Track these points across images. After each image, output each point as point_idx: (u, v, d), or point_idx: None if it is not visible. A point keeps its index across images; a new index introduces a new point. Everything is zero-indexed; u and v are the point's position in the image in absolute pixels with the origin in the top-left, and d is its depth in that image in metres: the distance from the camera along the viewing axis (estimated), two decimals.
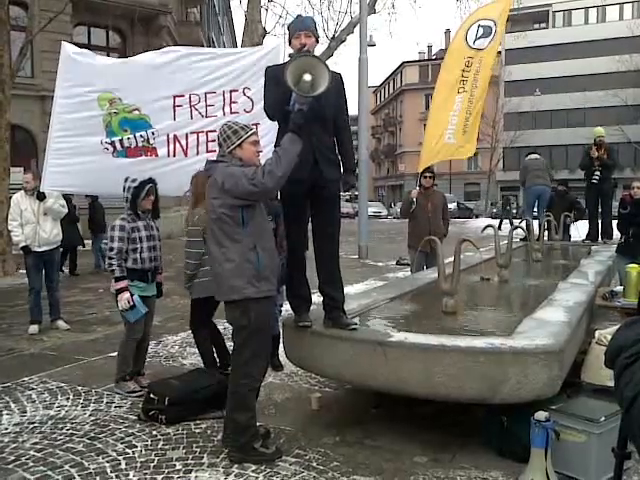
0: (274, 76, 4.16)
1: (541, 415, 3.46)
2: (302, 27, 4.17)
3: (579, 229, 11.80)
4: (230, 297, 3.78)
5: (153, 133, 6.64)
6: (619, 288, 5.78)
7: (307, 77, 3.65)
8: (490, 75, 9.41)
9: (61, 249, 13.07)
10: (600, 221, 10.69)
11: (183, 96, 6.66)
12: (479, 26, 9.26)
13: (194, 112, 6.67)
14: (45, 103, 18.21)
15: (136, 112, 6.64)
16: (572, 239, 11.45)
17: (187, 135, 6.66)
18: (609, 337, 4.38)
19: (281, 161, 3.64)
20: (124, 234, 5.10)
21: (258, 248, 3.75)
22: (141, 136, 6.62)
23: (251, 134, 3.90)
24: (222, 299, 3.89)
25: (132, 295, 5.08)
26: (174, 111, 6.67)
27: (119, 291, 5.07)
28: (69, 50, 6.83)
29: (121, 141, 6.60)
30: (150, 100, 6.62)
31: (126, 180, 5.25)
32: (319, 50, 15.11)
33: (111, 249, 5.09)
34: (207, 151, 6.39)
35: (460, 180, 62.16)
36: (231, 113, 6.73)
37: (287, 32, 4.31)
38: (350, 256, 14.69)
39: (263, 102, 4.28)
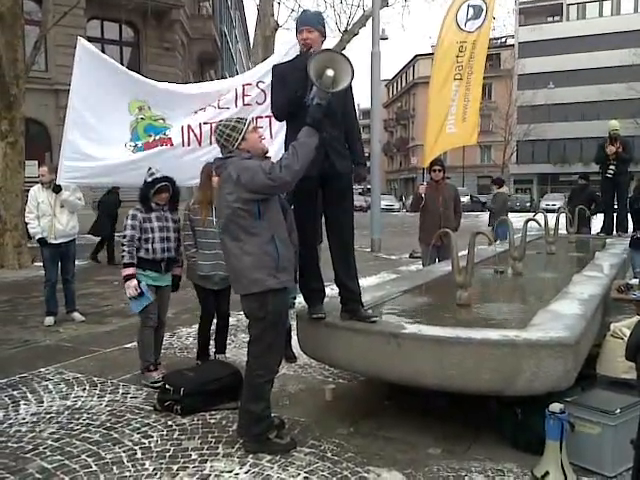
0: (280, 76, 4.23)
1: (556, 407, 3.46)
2: (304, 22, 4.23)
3: (599, 221, 11.76)
4: (250, 290, 3.77)
5: (170, 129, 6.86)
6: (634, 281, 5.75)
7: (330, 72, 3.65)
8: (485, 58, 9.29)
9: (98, 238, 13.24)
10: (616, 214, 10.61)
11: (203, 108, 6.95)
12: (469, 6, 9.13)
13: (207, 106, 6.83)
14: (59, 97, 18.35)
15: (161, 121, 6.92)
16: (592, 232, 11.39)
17: (201, 125, 6.81)
18: (624, 330, 4.41)
19: (298, 154, 3.64)
20: (136, 222, 5.16)
21: (276, 239, 3.76)
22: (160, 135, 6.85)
23: (249, 124, 3.92)
24: (242, 292, 3.86)
25: (139, 282, 5.12)
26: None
27: (126, 278, 5.12)
28: (86, 47, 6.91)
29: (144, 144, 6.81)
30: (175, 113, 6.94)
31: (149, 170, 5.34)
32: (331, 43, 15.08)
33: (124, 236, 5.17)
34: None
35: (474, 173, 61.84)
36: (244, 105, 6.83)
37: None
38: (363, 249, 14.68)
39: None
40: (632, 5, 58.45)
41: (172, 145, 6.78)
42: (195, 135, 6.78)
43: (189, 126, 6.79)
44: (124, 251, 5.15)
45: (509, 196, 30.38)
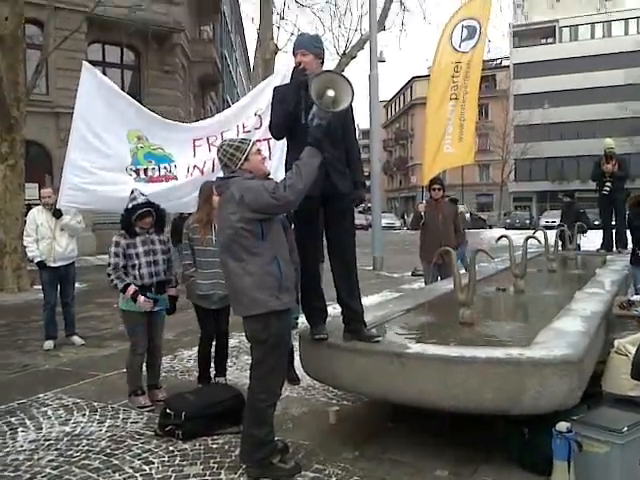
0: (280, 96, 4.25)
1: (562, 426, 3.41)
2: (298, 46, 4.28)
3: (589, 239, 11.74)
4: (253, 311, 3.72)
5: (175, 166, 6.96)
6: (637, 297, 5.73)
7: (330, 93, 3.69)
8: (479, 78, 9.36)
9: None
10: (614, 230, 10.61)
11: (201, 139, 7.07)
12: (463, 27, 9.22)
13: (212, 147, 6.93)
14: (60, 119, 18.45)
15: (160, 150, 6.99)
16: (582, 249, 11.37)
17: (205, 162, 6.92)
18: (629, 346, 4.38)
19: (302, 174, 3.64)
20: (119, 249, 5.14)
21: (279, 259, 3.73)
22: (165, 167, 6.95)
23: (252, 144, 3.91)
24: (243, 314, 3.81)
25: (145, 295, 5.12)
26: (194, 150, 7.05)
27: (134, 298, 5.09)
28: (91, 72, 6.98)
29: (145, 170, 6.89)
30: (172, 141, 7.04)
31: (131, 193, 5.33)
32: (330, 66, 15.20)
33: (108, 265, 5.17)
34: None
35: (472, 192, 62.39)
36: (244, 132, 6.88)
37: None
38: (365, 267, 14.64)
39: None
40: (622, 28, 59.66)
41: (177, 180, 6.89)
42: (199, 169, 6.89)
43: (195, 165, 6.93)
44: (112, 281, 5.13)
45: (467, 213, 30.31)
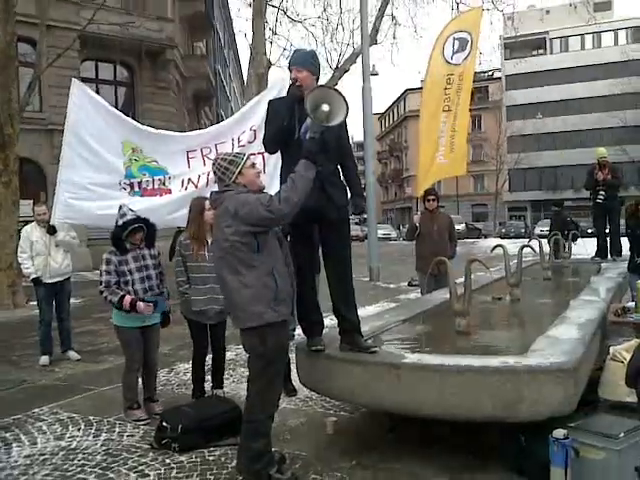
0: (275, 109, 4.28)
1: (559, 433, 3.42)
2: (294, 62, 4.29)
3: (584, 246, 11.74)
4: (249, 324, 3.72)
5: (170, 178, 6.97)
6: (631, 304, 5.74)
7: (325, 107, 3.72)
8: (470, 89, 9.43)
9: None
10: (609, 238, 10.63)
11: (195, 150, 7.07)
12: (454, 39, 9.30)
13: (206, 160, 6.95)
14: (53, 136, 18.48)
15: (154, 163, 7.01)
16: (574, 257, 11.35)
17: (199, 176, 6.93)
18: (624, 353, 4.39)
19: (297, 187, 3.65)
20: (111, 267, 5.11)
21: (275, 272, 3.73)
22: (159, 179, 6.98)
23: (246, 159, 3.91)
24: (241, 326, 3.81)
25: (144, 300, 5.10)
26: (188, 162, 7.06)
27: (132, 307, 5.06)
28: (81, 88, 7.02)
29: (139, 183, 6.92)
30: (166, 154, 7.04)
31: (120, 209, 5.30)
32: (323, 80, 15.29)
33: (100, 283, 5.13)
34: (215, 182, 6.52)
35: (467, 202, 62.82)
36: (239, 147, 6.90)
37: None
38: (361, 278, 14.65)
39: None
40: (612, 38, 60.25)
41: (170, 193, 6.89)
42: (193, 183, 6.90)
43: (189, 179, 6.94)
44: (105, 298, 5.10)
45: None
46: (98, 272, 5.31)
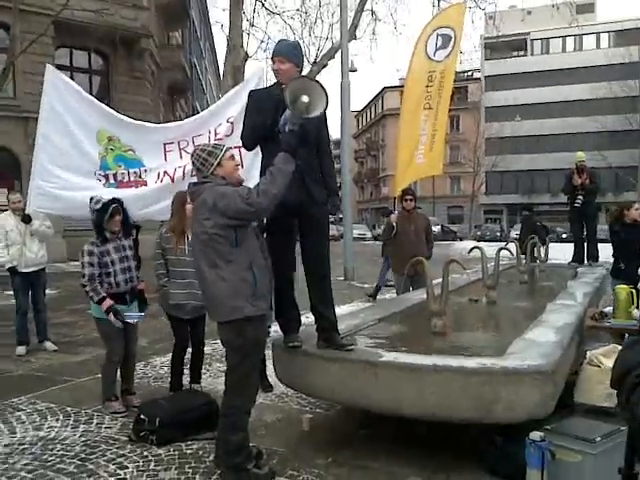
0: (257, 102, 4.20)
1: (536, 435, 3.46)
2: (276, 53, 4.21)
3: (562, 251, 11.84)
4: (227, 318, 3.71)
5: (145, 170, 6.86)
6: (608, 309, 5.81)
7: (304, 99, 3.68)
8: (451, 87, 9.38)
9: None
10: (586, 244, 10.71)
11: (172, 143, 6.96)
12: (437, 35, 9.25)
13: (183, 153, 6.86)
14: (28, 124, 18.08)
15: (130, 152, 6.89)
16: (550, 261, 11.45)
17: (175, 169, 6.82)
18: (601, 358, 4.44)
19: (276, 180, 3.64)
20: (94, 259, 5.04)
21: (253, 267, 3.72)
22: (134, 172, 6.86)
23: (226, 150, 3.89)
24: (218, 320, 3.81)
25: (117, 314, 5.04)
26: (165, 154, 6.94)
27: (107, 312, 5.02)
28: (55, 74, 6.89)
29: (115, 175, 6.80)
30: (143, 143, 6.92)
31: (91, 201, 5.22)
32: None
33: (83, 276, 5.05)
34: (192, 175, 6.45)
35: (443, 204, 62.85)
36: (215, 139, 6.83)
37: (269, 57, 4.36)
38: (336, 278, 14.65)
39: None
40: (594, 41, 60.33)
41: (146, 186, 6.80)
42: (169, 175, 6.80)
43: (165, 171, 6.83)
44: (87, 292, 5.04)
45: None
46: (73, 263, 5.24)
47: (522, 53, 63.78)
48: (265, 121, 4.05)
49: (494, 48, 61.65)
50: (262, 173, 4.01)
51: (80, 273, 5.11)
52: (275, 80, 4.30)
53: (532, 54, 63.25)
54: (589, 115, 55.20)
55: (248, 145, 4.34)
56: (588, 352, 4.70)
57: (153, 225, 6.77)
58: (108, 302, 5.02)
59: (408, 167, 9.42)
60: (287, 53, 4.19)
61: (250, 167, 6.24)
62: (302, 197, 4.11)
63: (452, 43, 9.22)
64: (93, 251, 5.06)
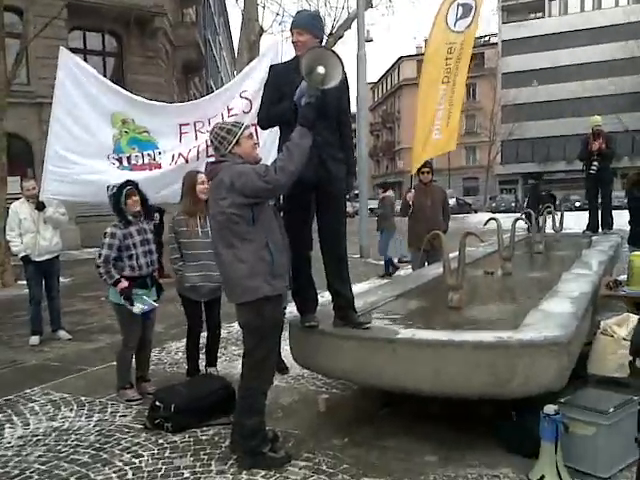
0: (275, 78, 4.09)
1: (550, 408, 3.41)
2: (296, 24, 4.07)
3: (576, 221, 11.65)
4: (246, 298, 3.67)
5: (160, 153, 6.88)
6: (623, 277, 5.72)
7: (321, 69, 3.60)
8: (469, 58, 9.14)
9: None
10: (600, 211, 10.53)
11: (188, 124, 6.97)
12: (458, 5, 8.97)
13: (198, 134, 6.88)
14: (42, 110, 17.98)
15: (145, 134, 6.91)
16: (565, 230, 11.29)
17: (190, 149, 6.84)
18: (614, 327, 4.38)
19: (293, 156, 3.58)
20: (115, 241, 5.00)
21: (270, 245, 3.67)
22: (148, 154, 6.89)
23: (244, 129, 3.83)
24: (236, 301, 3.77)
25: (128, 299, 5.02)
26: (180, 136, 6.97)
27: (121, 294, 5.01)
28: (69, 57, 6.87)
29: (128, 158, 6.83)
30: (158, 124, 6.94)
31: (108, 189, 5.21)
32: None
33: (99, 256, 5.01)
34: (207, 156, 6.40)
35: (458, 176, 62.14)
36: (229, 116, 6.76)
37: (284, 30, 4.26)
38: (352, 255, 14.59)
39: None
40: None
41: (160, 168, 6.79)
42: (184, 157, 6.79)
43: (180, 153, 6.83)
44: (100, 275, 5.01)
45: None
46: (86, 250, 5.24)
47: (540, 15, 62.34)
48: (285, 107, 3.92)
49: (512, 11, 60.44)
50: (279, 150, 3.91)
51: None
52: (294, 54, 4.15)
53: (550, 15, 61.73)
54: (607, 77, 53.98)
55: (263, 125, 4.27)
56: (602, 322, 4.63)
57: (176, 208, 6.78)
58: (123, 284, 4.99)
59: (425, 144, 9.23)
60: (306, 25, 4.04)
61: (269, 145, 6.19)
62: (320, 173, 4.02)
63: (473, 12, 8.95)
64: (115, 233, 5.03)
